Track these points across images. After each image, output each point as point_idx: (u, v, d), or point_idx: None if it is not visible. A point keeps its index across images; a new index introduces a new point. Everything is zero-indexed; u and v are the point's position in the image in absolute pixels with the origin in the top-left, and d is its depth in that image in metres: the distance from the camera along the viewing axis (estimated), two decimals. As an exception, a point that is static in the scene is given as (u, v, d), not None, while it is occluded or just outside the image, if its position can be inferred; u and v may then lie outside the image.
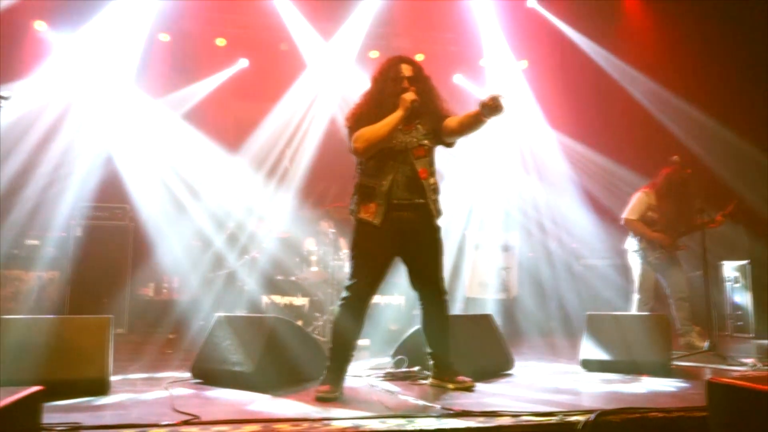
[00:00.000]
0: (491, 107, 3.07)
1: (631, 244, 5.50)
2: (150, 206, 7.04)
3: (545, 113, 8.24)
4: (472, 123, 3.23)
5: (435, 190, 3.36)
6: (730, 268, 6.94)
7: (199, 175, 7.57)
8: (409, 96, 3.22)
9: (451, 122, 3.33)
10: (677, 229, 5.35)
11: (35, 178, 6.56)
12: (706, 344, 4.62)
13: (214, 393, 3.24)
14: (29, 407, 1.96)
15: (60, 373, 3.08)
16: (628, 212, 5.45)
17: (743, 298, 6.76)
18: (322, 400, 2.98)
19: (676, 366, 4.13)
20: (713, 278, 5.85)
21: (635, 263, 5.48)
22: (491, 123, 3.18)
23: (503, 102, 3.04)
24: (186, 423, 2.42)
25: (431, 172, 3.36)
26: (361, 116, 3.29)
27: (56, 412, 2.63)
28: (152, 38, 7.40)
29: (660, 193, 5.35)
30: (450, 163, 7.83)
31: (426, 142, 3.35)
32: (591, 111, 8.10)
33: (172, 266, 6.96)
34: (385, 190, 3.23)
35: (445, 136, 3.39)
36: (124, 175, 7.15)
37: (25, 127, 6.58)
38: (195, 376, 3.61)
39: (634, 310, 5.39)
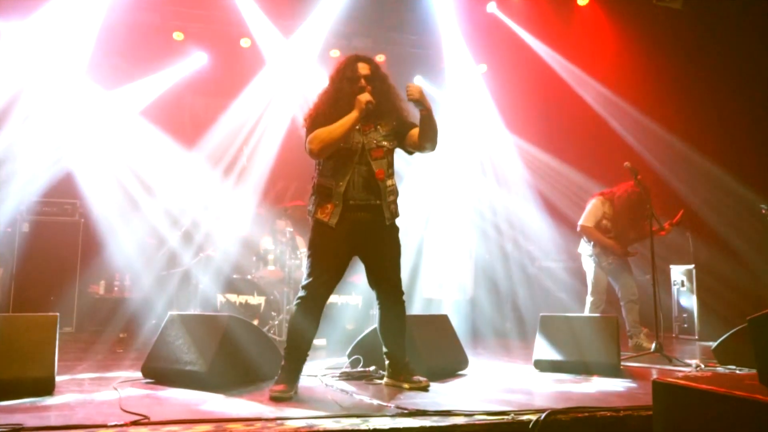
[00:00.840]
0: (415, 99, 3.20)
1: (585, 248, 5.65)
2: (102, 202, 6.85)
3: (503, 117, 8.36)
4: (423, 124, 3.29)
5: (392, 192, 3.36)
6: (677, 272, 7.17)
7: (154, 171, 7.42)
8: (365, 97, 3.21)
9: (413, 135, 3.37)
10: (629, 236, 5.55)
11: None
12: (653, 346, 4.77)
13: (165, 393, 3.17)
14: (-32, 408, 1.88)
15: (3, 373, 2.96)
16: (584, 219, 5.61)
17: (688, 301, 7.00)
18: (276, 399, 2.95)
19: (625, 366, 4.25)
20: (662, 282, 6.03)
21: (589, 267, 5.63)
22: (437, 113, 3.32)
23: (413, 89, 3.19)
24: (135, 423, 2.36)
25: (389, 174, 3.35)
26: (318, 116, 3.27)
27: (-2, 413, 2.54)
28: (106, 29, 7.18)
29: (616, 204, 5.52)
30: (409, 165, 7.88)
31: (385, 143, 3.35)
32: (547, 116, 8.28)
33: (124, 263, 6.80)
34: (342, 191, 3.22)
35: (411, 147, 3.42)
36: (75, 170, 6.94)
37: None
38: (146, 375, 3.53)
39: (587, 312, 5.53)
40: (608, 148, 7.72)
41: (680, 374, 4.09)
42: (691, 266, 6.99)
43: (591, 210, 5.60)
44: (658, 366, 4.47)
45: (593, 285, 5.57)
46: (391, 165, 3.39)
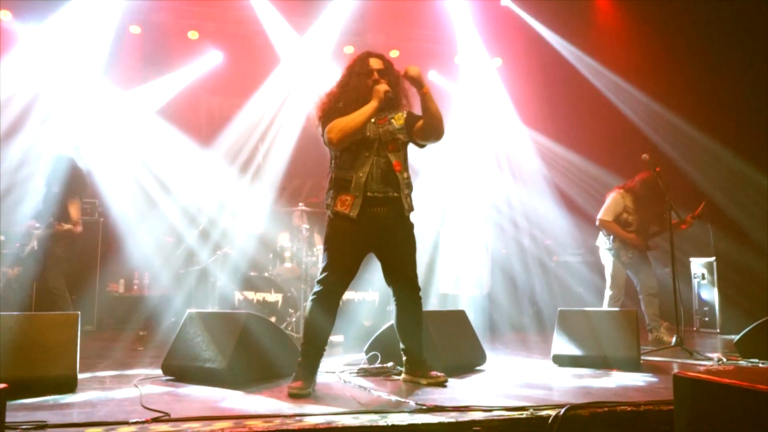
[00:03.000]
0: (412, 77, 3.23)
1: (604, 242, 5.59)
2: (121, 201, 6.92)
3: (519, 111, 8.31)
4: (423, 105, 3.30)
5: (408, 185, 3.36)
6: (697, 265, 7.09)
7: (171, 170, 7.47)
8: (383, 87, 3.24)
9: (420, 125, 3.37)
10: (650, 229, 5.48)
11: (1, 171, 6.39)
12: (673, 339, 4.72)
13: (185, 390, 3.20)
14: (-8, 406, 1.91)
15: (26, 371, 3.01)
16: (603, 213, 5.54)
17: (709, 294, 6.91)
18: (294, 396, 2.96)
19: (645, 361, 4.21)
20: (682, 275, 5.96)
21: (607, 261, 5.57)
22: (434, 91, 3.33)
23: (412, 69, 3.22)
24: (156, 420, 2.39)
25: (405, 167, 3.37)
26: (331, 110, 3.29)
27: (22, 410, 2.58)
28: (123, 30, 7.25)
29: (637, 197, 5.46)
30: (424, 160, 7.86)
31: (399, 136, 3.36)
32: (564, 109, 8.20)
33: (143, 262, 6.86)
34: (362, 182, 3.22)
35: (419, 138, 3.42)
36: (93, 170, 7.01)
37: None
38: (166, 373, 3.56)
39: (606, 306, 5.48)
40: (626, 140, 7.64)
41: (702, 368, 4.04)
42: (712, 259, 6.90)
43: (610, 204, 5.54)
44: (679, 360, 4.43)
45: (612, 279, 5.52)
46: (405, 158, 3.40)
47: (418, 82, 3.24)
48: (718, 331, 6.65)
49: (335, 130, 3.20)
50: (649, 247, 5.53)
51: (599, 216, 5.57)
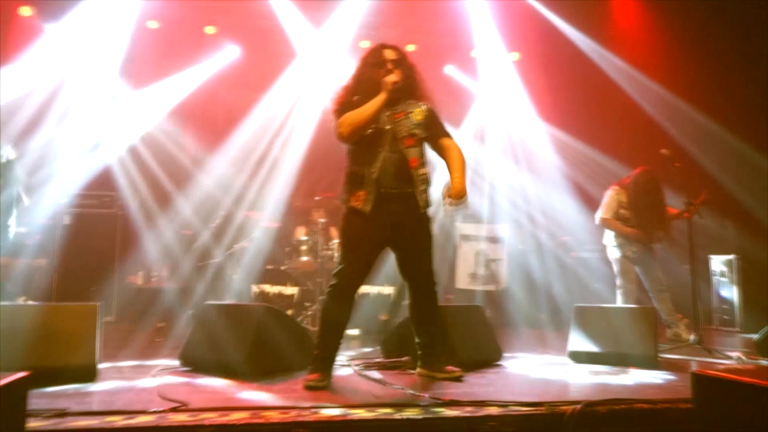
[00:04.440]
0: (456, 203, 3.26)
1: (609, 239, 5.61)
2: (139, 195, 6.99)
3: (536, 105, 8.24)
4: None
5: (425, 181, 3.33)
6: (717, 262, 7.00)
7: (189, 164, 7.53)
8: (391, 78, 3.22)
9: (440, 151, 3.44)
10: (653, 222, 5.43)
11: (22, 165, 6.48)
12: (692, 337, 4.67)
13: (202, 381, 3.23)
14: (15, 393, 1.94)
15: (48, 360, 3.06)
16: (601, 212, 5.58)
17: (730, 292, 6.83)
18: (310, 388, 2.98)
19: (663, 359, 4.17)
20: (701, 272, 5.89)
21: (614, 257, 5.58)
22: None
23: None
24: (174, 410, 2.42)
25: (422, 162, 3.34)
26: (345, 104, 3.29)
27: (43, 398, 2.62)
28: (140, 25, 7.30)
29: (632, 192, 5.44)
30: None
31: (417, 131, 3.33)
32: (582, 104, 8.12)
33: (161, 254, 6.93)
34: (374, 178, 3.21)
35: (435, 151, 3.47)
36: (112, 163, 7.10)
37: (10, 113, 6.49)
38: (184, 364, 3.60)
39: (619, 302, 5.45)
40: (645, 135, 7.55)
41: (721, 367, 3.99)
42: (732, 256, 6.81)
43: (607, 201, 5.56)
44: (698, 358, 4.38)
45: (622, 274, 5.50)
46: (423, 154, 3.38)
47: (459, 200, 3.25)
48: (738, 329, 6.57)
49: (345, 125, 3.21)
50: (653, 240, 5.49)
51: (598, 215, 5.60)
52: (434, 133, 3.42)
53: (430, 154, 3.49)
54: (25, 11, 6.98)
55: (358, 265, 3.24)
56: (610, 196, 5.56)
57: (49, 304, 3.61)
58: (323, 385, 3.02)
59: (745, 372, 2.21)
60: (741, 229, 6.95)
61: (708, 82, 7.29)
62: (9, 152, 5.09)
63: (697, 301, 4.74)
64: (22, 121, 6.60)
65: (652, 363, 3.87)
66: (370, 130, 3.24)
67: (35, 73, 6.71)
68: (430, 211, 3.40)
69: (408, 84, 3.32)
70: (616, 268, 5.56)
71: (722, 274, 6.92)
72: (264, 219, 6.62)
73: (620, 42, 7.79)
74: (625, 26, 7.79)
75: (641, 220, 5.42)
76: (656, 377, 3.55)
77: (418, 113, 3.36)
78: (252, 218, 6.60)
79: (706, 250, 6.92)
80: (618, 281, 5.53)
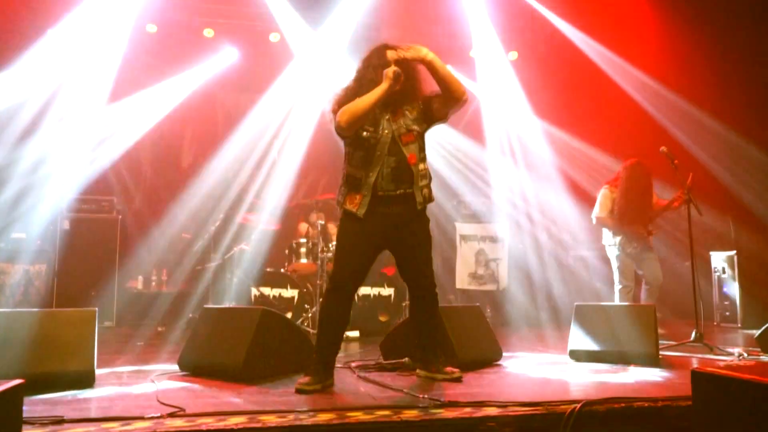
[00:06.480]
0: (411, 58, 3.26)
1: (608, 238, 5.62)
2: (138, 198, 6.99)
3: (534, 104, 8.23)
4: (433, 74, 3.31)
5: (425, 176, 3.31)
6: (718, 259, 6.99)
7: (188, 167, 7.52)
8: (392, 69, 3.18)
9: (437, 97, 3.36)
10: (646, 215, 5.43)
11: (20, 170, 6.48)
12: (693, 334, 4.65)
13: (201, 385, 3.22)
14: (9, 401, 1.93)
15: (45, 367, 3.05)
16: (596, 211, 5.61)
17: (730, 288, 6.81)
18: (300, 392, 2.95)
19: (664, 356, 4.16)
20: (702, 269, 5.87)
21: (613, 255, 5.60)
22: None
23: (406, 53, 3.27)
24: (171, 416, 2.41)
25: (421, 158, 3.31)
26: (346, 104, 3.25)
27: (40, 405, 2.61)
28: (139, 29, 7.30)
29: (622, 186, 5.44)
30: (441, 156, 7.85)
31: (415, 127, 3.31)
32: (580, 102, 8.10)
33: (160, 258, 6.92)
34: (372, 182, 3.19)
35: (441, 107, 3.36)
36: (111, 168, 7.10)
37: (8, 117, 6.49)
38: (182, 368, 3.59)
39: (617, 300, 5.45)
40: (644, 134, 7.51)
41: (722, 363, 3.98)
42: (733, 252, 6.80)
43: (601, 201, 5.59)
44: (699, 355, 4.37)
45: (621, 272, 5.51)
46: (422, 149, 3.35)
47: (418, 56, 3.23)
48: (739, 325, 6.55)
49: (344, 114, 3.16)
50: (650, 232, 5.48)
51: (593, 215, 5.63)
52: (428, 104, 3.37)
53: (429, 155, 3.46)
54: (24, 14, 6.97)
55: (353, 268, 3.23)
56: (603, 195, 5.59)
57: (46, 310, 3.59)
58: (314, 388, 2.99)
59: (745, 369, 2.20)
60: (741, 225, 6.93)
61: (706, 78, 7.27)
62: None
63: (698, 298, 4.73)
64: (20, 124, 6.60)
65: (653, 360, 3.86)
66: (367, 134, 3.21)
67: (33, 77, 6.70)
68: (430, 208, 3.38)
69: (407, 85, 3.29)
70: (615, 266, 5.58)
71: (723, 271, 6.90)
72: (263, 221, 6.61)
73: (620, 40, 7.76)
74: (625, 24, 7.75)
75: (634, 214, 5.41)
76: (656, 375, 3.54)
77: (412, 109, 3.35)
78: (251, 221, 6.59)
79: (707, 246, 6.91)
80: (617, 279, 5.54)
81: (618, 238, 5.49)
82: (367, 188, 3.20)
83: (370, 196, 3.20)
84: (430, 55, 3.27)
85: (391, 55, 3.31)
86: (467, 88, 3.39)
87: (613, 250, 5.56)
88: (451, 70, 3.40)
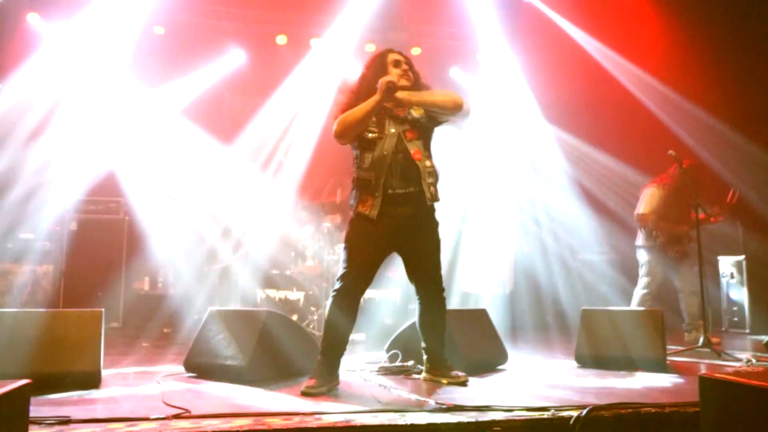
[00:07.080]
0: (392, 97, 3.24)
1: (647, 239, 5.45)
2: (145, 200, 7.00)
3: (541, 107, 8.21)
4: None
5: (431, 174, 3.30)
6: (726, 264, 6.94)
7: (194, 169, 7.53)
8: (385, 79, 3.19)
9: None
10: (688, 221, 5.31)
11: (28, 171, 6.51)
12: (701, 339, 4.62)
13: (206, 387, 3.22)
14: (16, 401, 1.93)
15: (51, 367, 3.06)
16: (642, 207, 5.42)
17: (739, 293, 6.77)
18: (305, 394, 2.95)
19: (672, 362, 4.13)
20: (710, 274, 5.83)
21: (645, 258, 5.43)
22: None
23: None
24: (176, 417, 2.41)
25: (426, 155, 3.31)
26: (347, 108, 3.26)
27: (46, 405, 2.62)
28: (147, 31, 7.33)
29: (671, 190, 5.34)
30: (446, 158, 7.81)
31: (419, 124, 3.33)
32: (587, 106, 8.08)
33: (166, 260, 6.94)
34: (382, 182, 3.20)
35: (443, 117, 3.39)
36: (118, 169, 7.12)
37: (16, 119, 6.53)
38: (188, 370, 3.60)
39: (636, 302, 5.36)
40: (652, 137, 7.49)
41: (730, 369, 3.95)
42: (741, 257, 6.76)
43: (648, 198, 5.42)
44: (707, 361, 4.34)
45: (651, 276, 5.37)
46: (427, 147, 3.36)
47: (393, 99, 3.23)
48: (747, 331, 6.51)
49: (339, 124, 3.20)
50: (691, 239, 5.37)
51: (639, 210, 5.43)
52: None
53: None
54: (32, 17, 7.00)
55: (362, 270, 3.22)
56: (650, 193, 5.42)
57: (53, 311, 3.60)
58: (319, 391, 2.98)
59: (753, 375, 2.18)
60: (750, 230, 6.88)
61: (718, 82, 7.23)
62: None
63: (705, 303, 4.70)
64: (29, 125, 6.63)
65: (660, 366, 3.83)
66: (373, 135, 3.22)
67: (41, 78, 6.73)
68: (438, 209, 3.37)
69: (412, 87, 3.31)
70: (645, 270, 5.42)
71: (732, 276, 6.86)
72: (269, 223, 6.61)
73: (627, 42, 7.74)
74: (633, 27, 7.74)
75: (681, 216, 5.30)
76: (664, 380, 3.52)
77: (416, 109, 3.35)
78: (257, 222, 6.59)
79: (715, 251, 6.86)
80: (642, 283, 5.40)
81: (661, 240, 5.35)
82: (377, 189, 3.21)
83: (381, 196, 3.20)
84: (401, 95, 3.25)
85: (393, 59, 3.34)
86: (467, 93, 3.38)
87: (648, 252, 5.41)
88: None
